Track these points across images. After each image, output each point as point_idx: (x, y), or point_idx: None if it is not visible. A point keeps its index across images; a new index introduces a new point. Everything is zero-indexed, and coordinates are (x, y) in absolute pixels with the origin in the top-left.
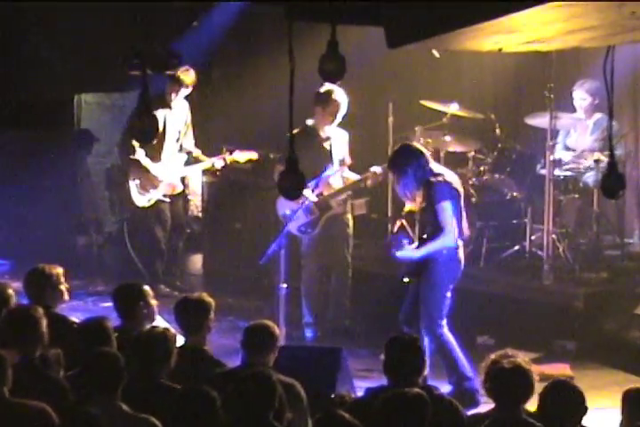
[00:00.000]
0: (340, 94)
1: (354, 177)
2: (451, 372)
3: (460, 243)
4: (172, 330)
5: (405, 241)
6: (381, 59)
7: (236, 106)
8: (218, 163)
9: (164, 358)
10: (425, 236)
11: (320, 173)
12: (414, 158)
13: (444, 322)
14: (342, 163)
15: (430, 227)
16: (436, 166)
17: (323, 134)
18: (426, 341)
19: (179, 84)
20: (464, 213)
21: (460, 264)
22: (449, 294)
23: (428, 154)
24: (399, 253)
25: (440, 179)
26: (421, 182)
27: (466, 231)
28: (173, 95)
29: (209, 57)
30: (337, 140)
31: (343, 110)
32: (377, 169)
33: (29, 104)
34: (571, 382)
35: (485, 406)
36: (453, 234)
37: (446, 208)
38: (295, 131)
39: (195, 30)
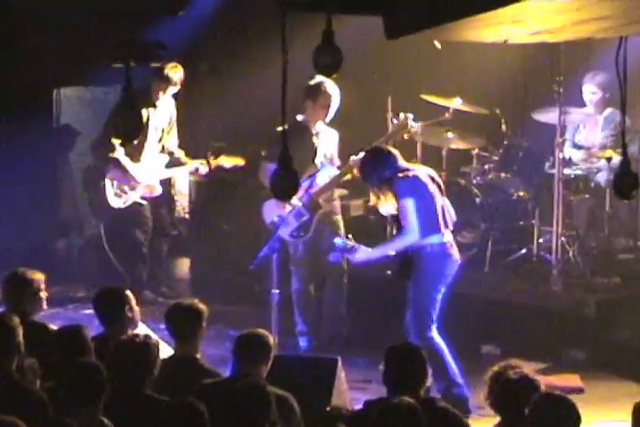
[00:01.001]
0: (331, 86)
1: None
2: (439, 378)
3: (449, 236)
4: (155, 337)
5: (340, 241)
6: (380, 50)
7: (224, 101)
8: (202, 169)
9: (147, 368)
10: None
11: (314, 171)
12: (379, 160)
13: (434, 325)
14: (330, 162)
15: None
16: (404, 164)
17: (314, 131)
18: None
19: (167, 81)
20: (440, 203)
21: (452, 259)
22: (440, 295)
23: (396, 153)
24: (357, 256)
25: (402, 175)
26: (389, 182)
27: (451, 221)
28: (161, 93)
29: (195, 48)
30: (325, 137)
31: (335, 103)
32: (357, 158)
33: (5, 98)
34: (561, 394)
35: (484, 419)
36: (414, 232)
37: (407, 206)
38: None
39: (179, 20)
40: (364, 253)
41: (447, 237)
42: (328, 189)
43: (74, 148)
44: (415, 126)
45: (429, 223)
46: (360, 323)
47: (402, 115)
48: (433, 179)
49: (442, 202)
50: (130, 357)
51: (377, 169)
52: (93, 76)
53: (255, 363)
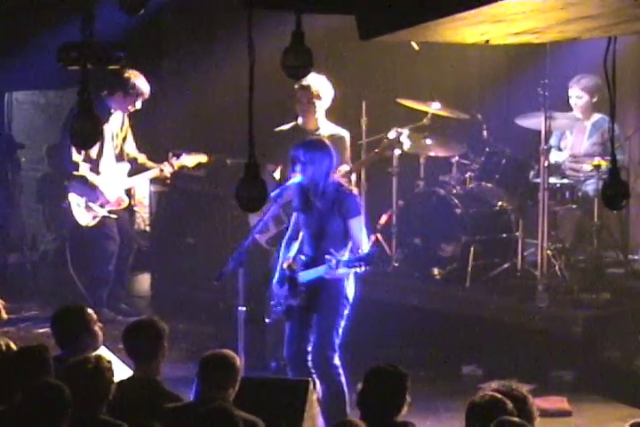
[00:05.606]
0: (312, 78)
1: None
2: (335, 417)
3: None
4: (113, 359)
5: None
6: (353, 51)
7: (188, 104)
8: (166, 169)
9: (101, 394)
10: (330, 250)
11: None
12: (330, 159)
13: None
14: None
15: (336, 240)
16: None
17: (310, 132)
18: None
19: (137, 94)
20: None
21: (355, 284)
22: (343, 323)
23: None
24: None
25: (353, 190)
26: (323, 188)
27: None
28: (130, 106)
29: (157, 47)
30: (329, 139)
31: (325, 93)
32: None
33: None
34: None
35: None
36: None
37: (362, 222)
38: (283, 127)
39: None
40: (332, 270)
41: None
42: None
43: (25, 156)
44: (408, 144)
45: None
46: None
47: (395, 131)
48: None
49: None
50: (81, 382)
51: (322, 165)
52: (47, 79)
53: (221, 386)
